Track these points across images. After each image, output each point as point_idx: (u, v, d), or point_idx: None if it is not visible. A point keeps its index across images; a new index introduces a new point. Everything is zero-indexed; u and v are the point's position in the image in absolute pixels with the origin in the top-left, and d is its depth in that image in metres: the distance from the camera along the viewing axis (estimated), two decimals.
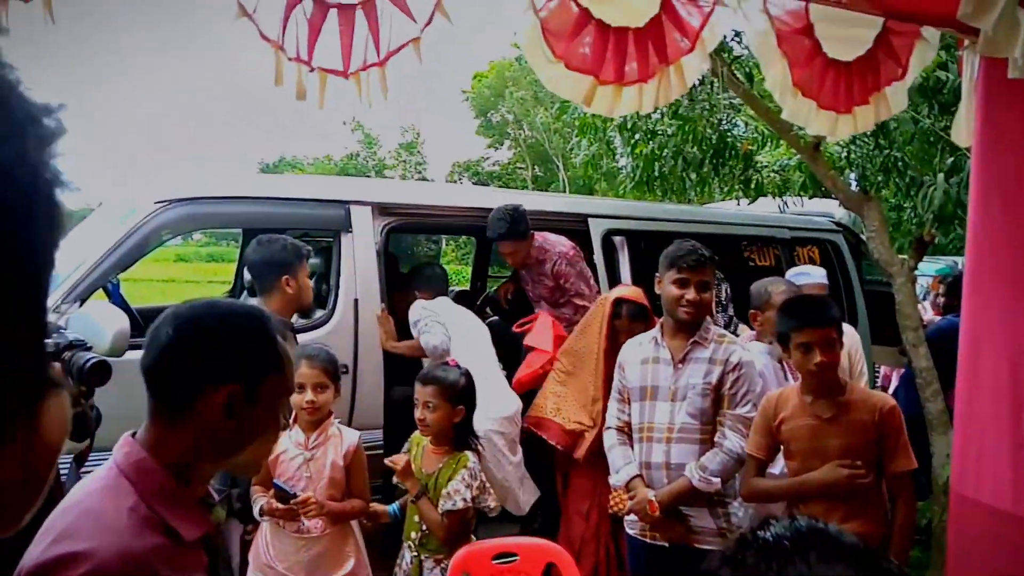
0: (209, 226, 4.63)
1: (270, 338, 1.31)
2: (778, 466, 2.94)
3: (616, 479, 3.10)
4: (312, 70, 1.91)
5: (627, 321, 3.69)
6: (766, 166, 6.20)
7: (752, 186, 5.67)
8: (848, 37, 2.34)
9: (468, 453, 3.00)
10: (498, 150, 33.72)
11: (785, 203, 5.80)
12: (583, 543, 3.64)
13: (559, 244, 4.44)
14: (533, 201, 4.69)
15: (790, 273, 4.39)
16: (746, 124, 6.12)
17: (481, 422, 3.41)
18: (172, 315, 1.28)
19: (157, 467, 1.22)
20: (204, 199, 3.77)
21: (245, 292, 4.83)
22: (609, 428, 3.20)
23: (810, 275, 4.30)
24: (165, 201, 3.64)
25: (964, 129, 2.45)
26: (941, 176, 4.43)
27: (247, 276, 4.68)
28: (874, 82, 2.36)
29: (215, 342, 1.26)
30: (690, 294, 2.96)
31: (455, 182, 32.47)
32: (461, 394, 2.97)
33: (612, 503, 3.08)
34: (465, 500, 2.87)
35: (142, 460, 1.22)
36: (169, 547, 1.17)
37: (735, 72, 4.92)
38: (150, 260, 4.60)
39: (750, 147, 5.80)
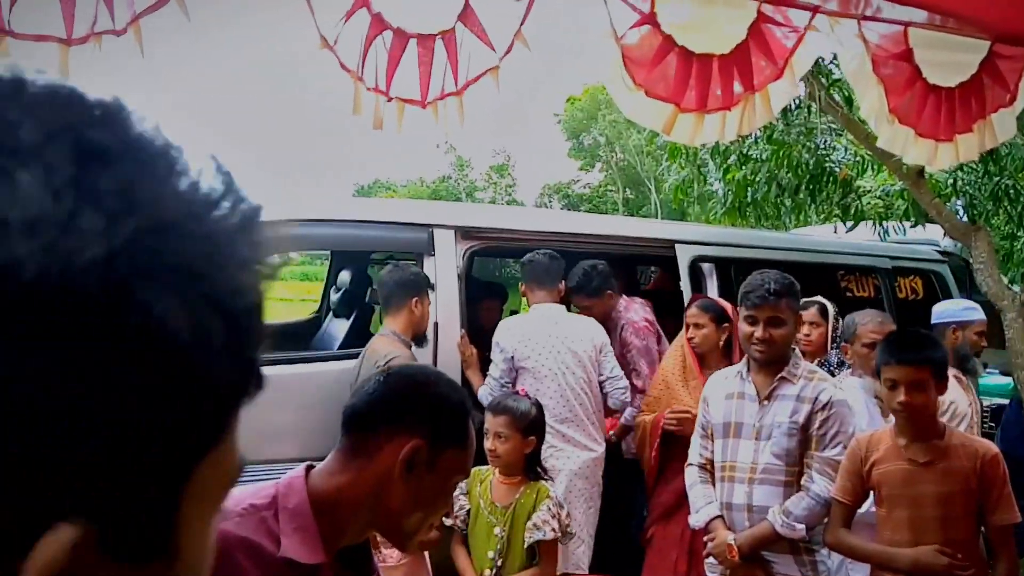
0: (298, 248, 4.77)
1: (466, 411, 1.35)
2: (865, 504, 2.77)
3: (696, 519, 3.00)
4: (390, 100, 1.93)
5: (696, 311, 3.65)
6: (868, 191, 5.96)
7: (851, 212, 5.44)
8: (951, 62, 2.21)
9: (546, 484, 2.96)
10: (589, 172, 33.73)
11: (886, 230, 5.55)
12: None
13: (634, 312, 4.26)
14: (619, 225, 4.65)
15: (949, 305, 4.19)
16: (845, 149, 5.89)
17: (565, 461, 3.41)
18: (385, 370, 1.39)
19: (303, 488, 1.23)
20: (294, 220, 3.87)
21: (331, 313, 4.93)
22: (691, 465, 3.10)
23: (975, 310, 4.04)
24: None
25: None
26: None
27: (334, 296, 4.82)
28: (979, 109, 2.22)
29: (416, 394, 1.33)
30: (759, 332, 2.84)
31: (545, 205, 32.61)
32: (532, 425, 2.94)
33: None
34: (555, 531, 2.82)
35: (296, 479, 1.24)
36: (260, 550, 1.16)
37: (833, 95, 4.76)
38: None
39: (849, 172, 5.58)
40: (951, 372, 2.85)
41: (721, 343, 3.64)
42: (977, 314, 3.95)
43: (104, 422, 0.33)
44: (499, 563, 2.86)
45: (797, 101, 5.73)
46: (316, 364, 3.77)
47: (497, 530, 2.87)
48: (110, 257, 0.32)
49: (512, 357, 3.64)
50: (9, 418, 0.32)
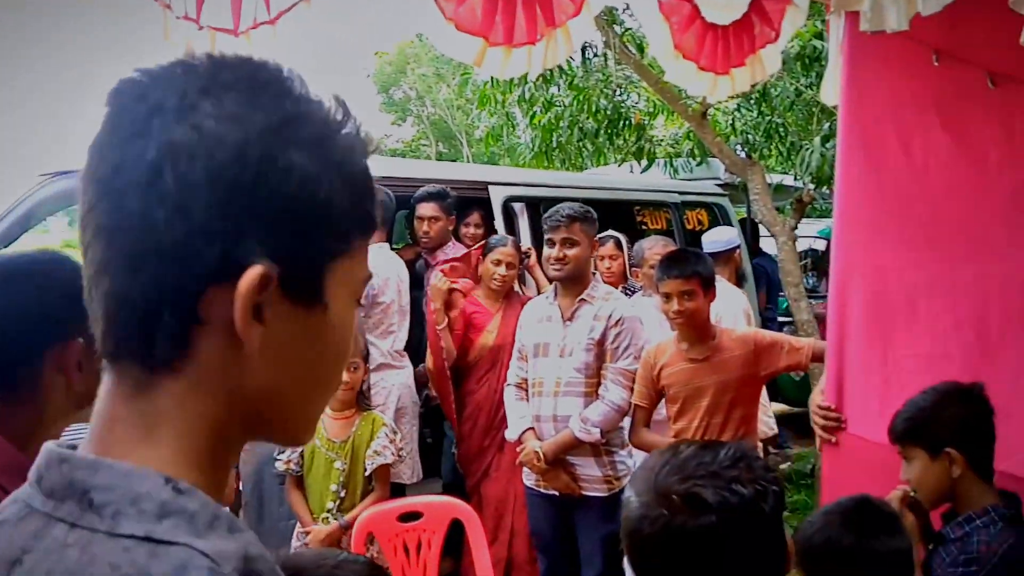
0: None
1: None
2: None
3: (510, 433, 3.26)
4: (201, 28, 1.90)
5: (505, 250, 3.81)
6: (662, 140, 6.43)
7: (645, 153, 5.86)
8: (724, 2, 2.47)
9: (377, 413, 3.09)
10: (401, 127, 33.35)
11: (675, 169, 6.04)
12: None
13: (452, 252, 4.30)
14: (436, 170, 4.74)
15: (704, 238, 4.70)
16: (639, 96, 6.30)
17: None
18: None
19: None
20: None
21: None
22: (509, 385, 3.33)
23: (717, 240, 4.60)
24: (49, 174, 3.51)
25: (832, 89, 2.64)
26: (818, 140, 4.71)
27: None
28: (749, 45, 2.51)
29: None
30: (555, 252, 3.10)
31: None
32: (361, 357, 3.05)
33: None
34: (393, 454, 3.00)
35: None
36: None
37: (627, 44, 5.08)
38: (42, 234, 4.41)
39: (643, 117, 5.99)
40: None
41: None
42: (738, 239, 4.56)
43: (293, 192, 0.55)
44: (342, 494, 2.95)
45: (595, 50, 6.05)
46: None
47: (338, 464, 2.95)
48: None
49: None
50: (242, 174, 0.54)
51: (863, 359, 2.51)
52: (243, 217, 0.54)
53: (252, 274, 0.53)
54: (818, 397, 2.61)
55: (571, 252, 3.11)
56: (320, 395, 0.64)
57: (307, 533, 2.92)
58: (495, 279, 3.69)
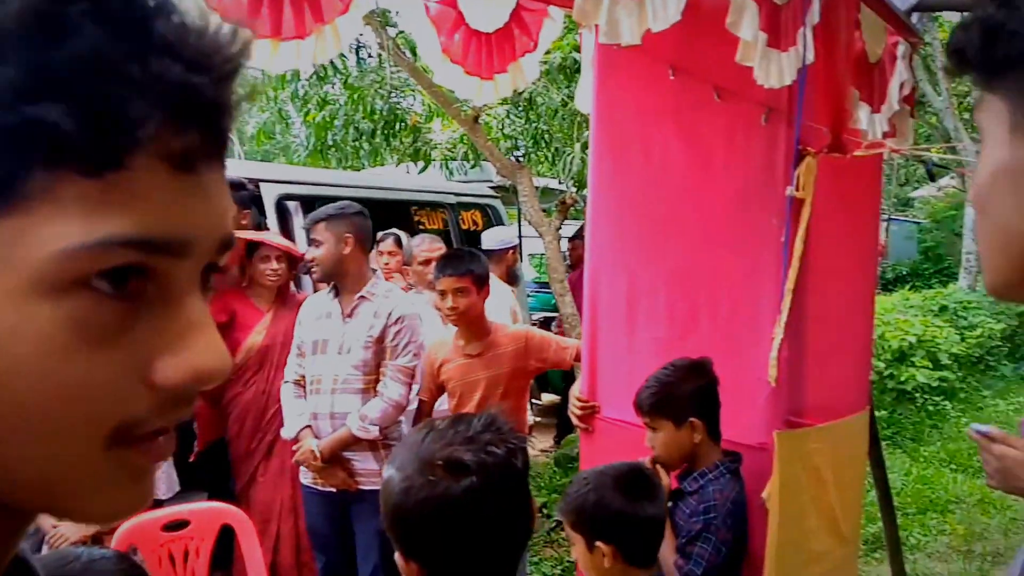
0: None
1: None
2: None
3: (287, 431, 3.21)
4: None
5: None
6: (437, 145, 6.56)
7: (421, 155, 5.97)
8: (487, 11, 2.61)
9: None
10: None
11: (451, 171, 6.21)
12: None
13: None
14: None
15: (483, 236, 4.90)
16: (414, 98, 6.40)
17: None
18: None
19: None
20: None
21: None
22: (287, 382, 3.28)
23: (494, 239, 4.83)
24: None
25: (585, 97, 2.88)
26: (579, 147, 5.06)
27: None
28: (511, 53, 2.66)
29: None
30: (307, 254, 3.18)
31: None
32: None
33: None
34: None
35: None
36: None
37: (400, 47, 5.15)
38: None
39: (419, 119, 6.09)
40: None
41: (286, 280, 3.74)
42: (513, 240, 4.83)
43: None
44: None
45: (370, 51, 6.06)
46: None
47: None
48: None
49: None
50: None
51: (613, 348, 2.76)
52: None
53: None
54: (576, 389, 2.84)
55: (316, 252, 3.13)
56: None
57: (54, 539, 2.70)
58: (268, 275, 3.59)
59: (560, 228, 5.24)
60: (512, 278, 4.88)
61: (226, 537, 2.92)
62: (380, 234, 4.28)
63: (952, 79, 13.34)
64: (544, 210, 5.52)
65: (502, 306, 4.08)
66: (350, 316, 3.15)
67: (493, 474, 1.15)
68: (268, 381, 3.49)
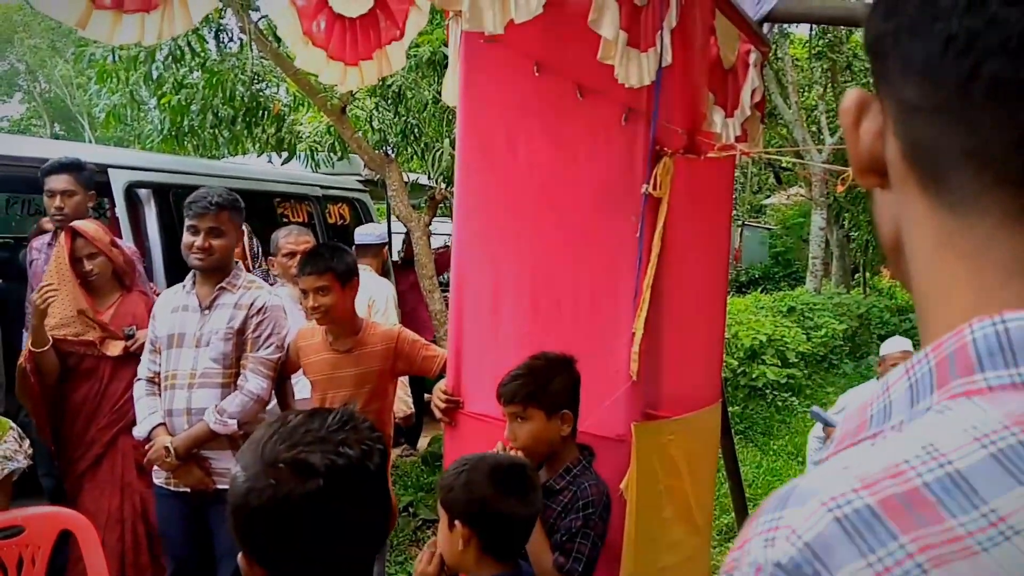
0: None
1: None
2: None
3: (139, 430, 3.02)
4: None
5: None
6: (305, 133, 6.36)
7: (285, 145, 5.77)
8: None
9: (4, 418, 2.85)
10: (7, 103, 28.80)
11: (317, 162, 6.03)
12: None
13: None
14: (39, 148, 4.19)
15: (357, 231, 4.81)
16: (277, 86, 6.18)
17: None
18: None
19: None
20: None
21: None
22: (139, 380, 3.08)
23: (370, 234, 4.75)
24: None
25: (451, 90, 2.85)
26: (448, 142, 5.03)
27: None
28: (376, 39, 2.60)
29: None
30: (199, 241, 2.96)
31: None
32: None
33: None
34: (27, 458, 2.77)
35: None
36: None
37: (263, 32, 4.95)
38: None
39: (283, 108, 5.88)
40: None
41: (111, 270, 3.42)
42: (387, 236, 4.82)
43: None
44: None
45: (231, 35, 5.80)
46: None
47: None
48: None
49: None
50: None
51: (479, 342, 2.75)
52: None
53: None
54: (443, 384, 2.81)
55: (217, 242, 2.98)
56: None
57: None
58: (84, 271, 3.32)
59: (430, 224, 5.19)
60: (384, 273, 4.85)
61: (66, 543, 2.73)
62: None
63: (800, 94, 14.23)
64: (414, 205, 5.46)
65: (384, 295, 4.14)
66: (209, 308, 3.01)
67: (343, 477, 1.10)
68: (101, 381, 3.25)
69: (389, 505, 1.23)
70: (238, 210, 3.08)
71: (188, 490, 2.99)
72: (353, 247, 4.36)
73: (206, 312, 3.01)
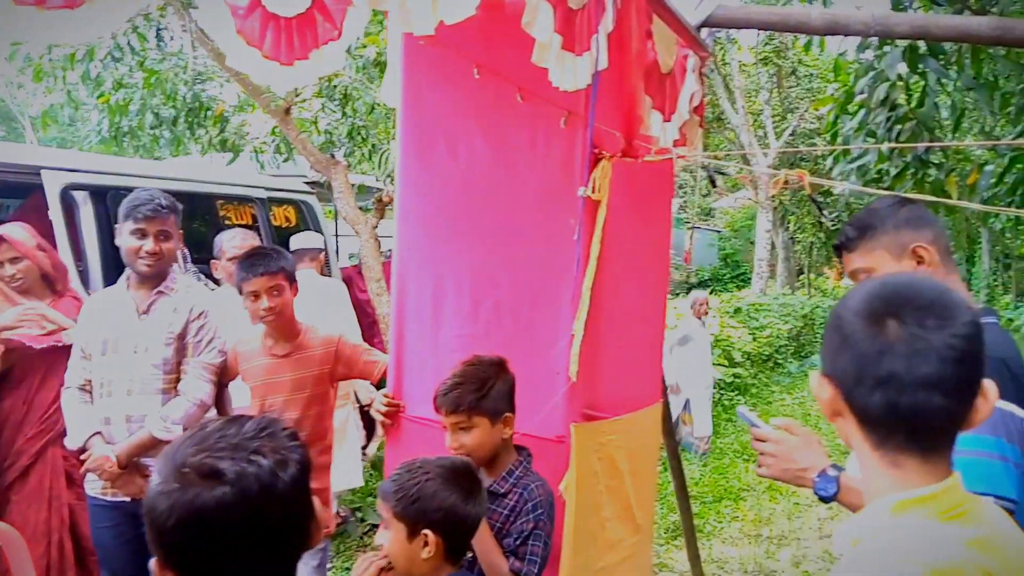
0: None
1: None
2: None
3: (72, 441, 2.92)
4: None
5: None
6: (249, 134, 6.26)
7: (229, 146, 5.68)
8: None
9: None
10: None
11: (262, 164, 5.95)
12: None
13: None
14: None
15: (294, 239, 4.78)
16: (220, 86, 6.08)
17: None
18: None
19: None
20: None
21: None
22: (69, 388, 2.99)
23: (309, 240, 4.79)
24: None
25: (391, 91, 2.83)
26: (395, 143, 4.99)
27: None
28: (313, 39, 2.56)
29: None
30: (148, 245, 2.90)
31: None
32: None
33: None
34: None
35: None
36: None
37: (204, 31, 4.87)
38: None
39: (226, 108, 5.79)
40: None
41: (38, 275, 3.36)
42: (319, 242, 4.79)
43: None
44: None
45: (172, 34, 5.69)
46: None
47: None
48: None
49: None
50: None
51: (420, 345, 2.73)
52: None
53: None
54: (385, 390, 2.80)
55: (166, 245, 2.92)
56: None
57: None
58: (5, 279, 3.22)
59: (377, 227, 5.15)
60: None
61: None
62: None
63: (747, 99, 14.49)
64: (362, 208, 5.41)
65: (341, 298, 4.14)
66: (146, 312, 2.94)
67: (252, 484, 1.08)
68: (30, 390, 3.15)
69: (307, 514, 1.20)
70: (179, 213, 3.04)
71: (127, 499, 2.91)
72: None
73: (143, 317, 2.94)
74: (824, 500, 1.66)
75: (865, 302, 1.07)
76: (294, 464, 1.15)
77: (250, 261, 2.91)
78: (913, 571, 0.98)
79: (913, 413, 1.02)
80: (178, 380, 2.96)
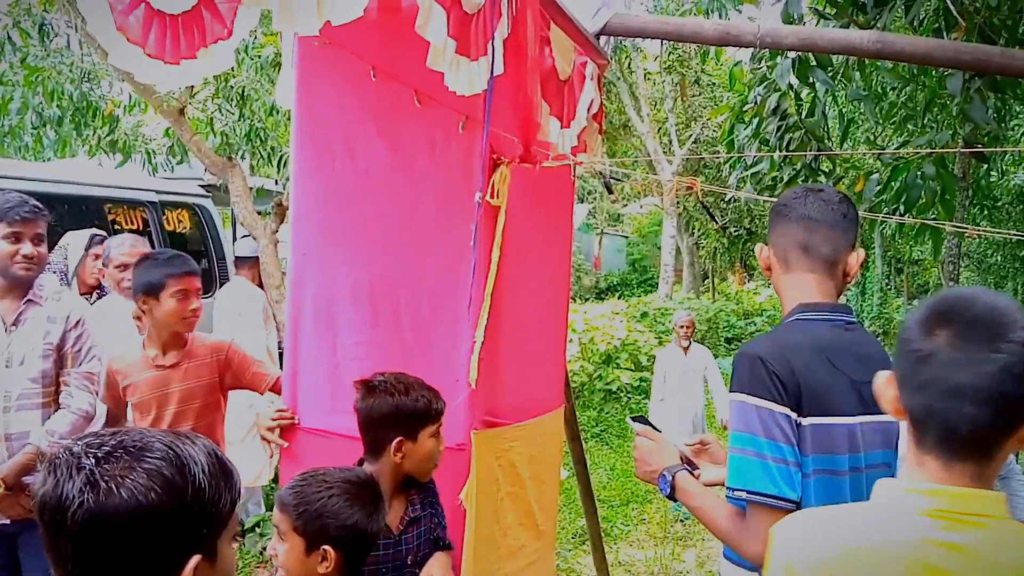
0: None
1: None
2: None
3: None
4: None
5: None
6: (143, 135, 6.00)
7: (119, 147, 5.42)
8: None
9: None
10: None
11: (155, 166, 5.71)
12: None
13: None
14: None
15: (237, 245, 4.78)
16: (111, 85, 5.81)
17: None
18: None
19: None
20: None
21: None
22: None
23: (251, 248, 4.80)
24: None
25: (285, 92, 2.75)
26: None
27: None
28: (202, 38, 2.46)
29: None
30: (27, 248, 2.74)
31: None
32: None
33: None
34: None
35: None
36: None
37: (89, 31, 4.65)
38: None
39: (115, 108, 5.53)
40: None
41: None
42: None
43: None
44: None
45: (57, 31, 5.41)
46: None
47: None
48: None
49: None
50: None
51: (315, 354, 2.65)
52: None
53: None
54: (273, 405, 2.72)
55: (42, 250, 2.79)
56: None
57: None
58: None
59: (277, 231, 5.01)
60: (260, 286, 4.82)
61: None
62: (95, 234, 3.91)
63: (652, 107, 14.83)
64: (260, 212, 5.25)
65: (256, 307, 4.06)
66: (15, 324, 2.76)
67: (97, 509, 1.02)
68: None
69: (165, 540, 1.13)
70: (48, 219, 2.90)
71: (7, 521, 2.73)
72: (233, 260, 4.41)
73: (12, 329, 2.76)
74: (668, 498, 1.88)
75: (923, 311, 1.18)
76: (148, 490, 1.08)
77: (173, 262, 2.82)
78: (831, 545, 1.13)
79: (943, 419, 1.11)
80: (58, 393, 2.80)
